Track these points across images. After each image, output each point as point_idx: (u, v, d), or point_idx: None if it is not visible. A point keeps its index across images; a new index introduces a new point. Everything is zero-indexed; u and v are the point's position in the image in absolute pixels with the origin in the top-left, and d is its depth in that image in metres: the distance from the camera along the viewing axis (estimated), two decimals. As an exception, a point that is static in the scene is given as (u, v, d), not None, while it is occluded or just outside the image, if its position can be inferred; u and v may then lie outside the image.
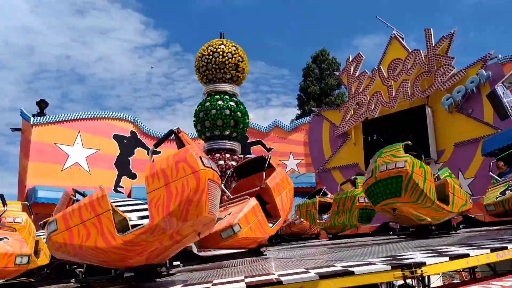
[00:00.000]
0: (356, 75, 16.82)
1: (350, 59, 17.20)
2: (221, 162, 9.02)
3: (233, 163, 9.10)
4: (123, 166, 16.38)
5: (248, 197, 4.97)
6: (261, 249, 5.12)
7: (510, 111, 10.85)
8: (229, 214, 4.73)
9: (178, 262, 4.09)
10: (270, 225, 4.94)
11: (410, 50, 15.28)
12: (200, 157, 2.91)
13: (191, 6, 79.46)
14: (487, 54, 13.61)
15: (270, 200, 5.23)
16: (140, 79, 74.03)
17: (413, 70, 14.96)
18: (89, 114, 16.14)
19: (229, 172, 8.85)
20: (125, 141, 16.71)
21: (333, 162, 17.14)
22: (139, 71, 74.97)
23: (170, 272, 3.93)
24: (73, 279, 3.70)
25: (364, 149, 15.98)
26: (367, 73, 16.54)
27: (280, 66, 72.37)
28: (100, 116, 16.42)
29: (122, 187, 16.16)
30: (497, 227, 5.96)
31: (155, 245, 2.94)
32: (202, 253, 5.57)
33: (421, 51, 14.91)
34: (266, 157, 5.53)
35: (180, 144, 3.14)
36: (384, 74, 15.74)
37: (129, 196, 16.01)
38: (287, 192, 5.39)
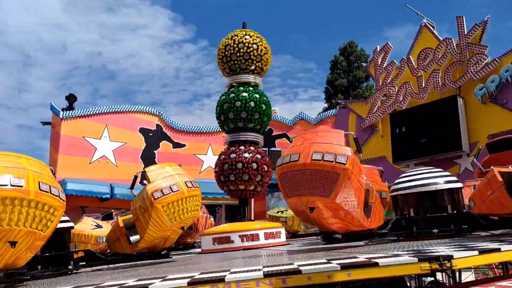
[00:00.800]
0: (384, 66, 16.40)
1: (378, 49, 16.78)
2: (246, 155, 8.82)
3: (258, 156, 8.87)
4: (148, 159, 16.52)
5: (492, 167, 4.53)
6: None
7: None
8: None
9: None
10: None
11: (441, 39, 14.75)
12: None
13: (218, 1, 79.59)
14: (523, 42, 12.98)
15: None
16: (169, 74, 74.90)
17: (444, 60, 14.43)
18: (116, 108, 16.33)
19: (254, 165, 8.67)
20: (150, 134, 16.84)
21: (360, 155, 16.79)
22: (167, 67, 75.80)
23: None
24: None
25: (392, 142, 15.61)
26: (395, 63, 16.09)
27: (307, 60, 71.77)
28: (127, 110, 16.60)
29: (148, 180, 16.30)
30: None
31: None
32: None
33: (452, 40, 14.37)
34: None
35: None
36: (414, 64, 15.28)
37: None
38: None
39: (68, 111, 15.26)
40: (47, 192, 4.16)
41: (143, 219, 5.68)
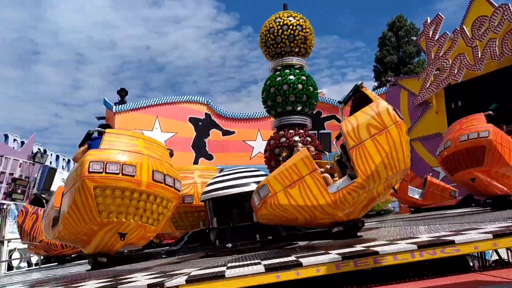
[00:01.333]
0: (435, 38, 15.61)
1: (429, 21, 15.98)
2: (297, 137, 8.81)
3: (309, 139, 8.86)
4: (199, 148, 16.82)
5: None
6: None
7: None
8: None
9: None
10: None
11: (497, 5, 13.82)
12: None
13: (260, -15, 79.07)
14: None
15: None
16: (214, 64, 75.56)
17: (501, 27, 13.52)
18: (165, 99, 16.71)
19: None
20: (200, 123, 17.11)
21: (414, 133, 16.25)
22: (212, 56, 76.47)
23: None
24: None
25: (447, 117, 14.93)
26: (448, 34, 15.26)
27: (355, 39, 69.95)
28: (176, 101, 16.94)
29: (200, 168, 16.62)
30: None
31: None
32: None
33: (509, 5, 13.43)
34: None
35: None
36: (468, 34, 14.43)
37: (207, 176, 16.42)
38: None
39: (120, 105, 15.78)
40: (161, 182, 3.76)
41: (373, 144, 3.52)
